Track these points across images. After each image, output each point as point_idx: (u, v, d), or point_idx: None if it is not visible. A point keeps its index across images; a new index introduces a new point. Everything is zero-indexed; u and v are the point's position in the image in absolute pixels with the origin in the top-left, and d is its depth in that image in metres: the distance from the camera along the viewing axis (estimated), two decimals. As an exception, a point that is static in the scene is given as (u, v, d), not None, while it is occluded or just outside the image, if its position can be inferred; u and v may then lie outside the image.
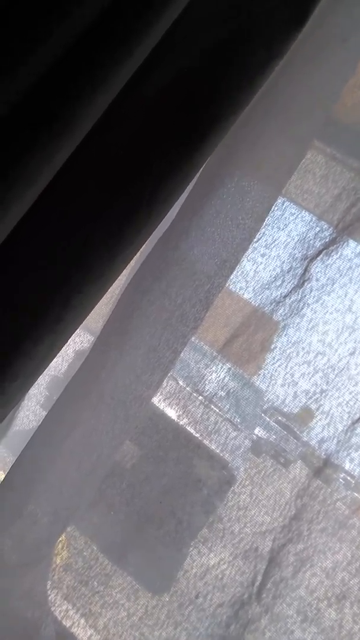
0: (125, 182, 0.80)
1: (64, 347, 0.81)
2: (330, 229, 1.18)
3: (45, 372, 0.81)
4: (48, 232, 0.80)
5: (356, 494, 1.24)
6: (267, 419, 1.36)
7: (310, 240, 1.18)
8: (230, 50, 0.81)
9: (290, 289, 1.19)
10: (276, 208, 1.15)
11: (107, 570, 1.28)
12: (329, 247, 1.17)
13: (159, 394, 1.17)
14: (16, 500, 1.12)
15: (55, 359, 0.81)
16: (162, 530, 1.28)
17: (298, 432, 1.32)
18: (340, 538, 1.19)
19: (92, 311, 0.81)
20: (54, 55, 0.75)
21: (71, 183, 0.80)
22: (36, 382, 0.82)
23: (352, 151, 1.18)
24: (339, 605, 1.18)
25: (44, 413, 1.10)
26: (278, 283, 1.19)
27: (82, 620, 1.24)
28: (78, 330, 0.81)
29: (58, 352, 0.81)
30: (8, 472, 1.12)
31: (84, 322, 0.81)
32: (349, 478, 1.23)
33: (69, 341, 0.81)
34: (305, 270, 1.18)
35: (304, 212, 1.20)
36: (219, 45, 0.81)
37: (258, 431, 1.37)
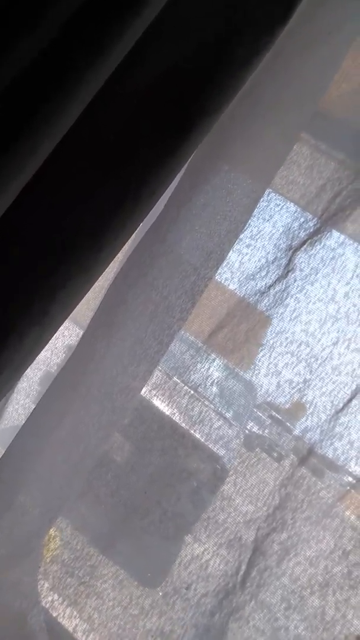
0: (111, 175, 0.81)
1: (55, 341, 0.82)
2: (315, 219, 1.19)
3: (36, 366, 0.82)
4: (33, 223, 0.80)
5: (339, 483, 1.25)
6: (256, 410, 1.38)
7: (295, 230, 1.19)
8: (217, 42, 0.81)
9: (274, 280, 1.20)
10: (262, 199, 1.16)
11: (93, 561, 1.29)
12: (313, 237, 1.18)
13: (145, 385, 1.18)
14: (5, 492, 1.12)
15: (46, 353, 0.82)
16: (147, 520, 1.30)
17: (290, 426, 1.34)
18: (324, 527, 1.20)
19: (83, 305, 0.82)
20: (41, 41, 0.76)
21: (56, 175, 0.80)
22: (27, 376, 0.83)
23: (338, 142, 1.19)
24: (321, 592, 1.20)
25: (35, 407, 1.11)
26: (263, 274, 1.20)
27: (69, 610, 1.25)
28: (69, 324, 0.82)
29: (45, 345, 0.81)
30: None
31: (74, 316, 0.82)
32: (332, 467, 1.24)
33: (60, 335, 0.82)
34: (290, 260, 1.19)
35: (289, 203, 1.22)
36: (205, 38, 0.82)
37: (246, 422, 1.38)
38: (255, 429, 1.39)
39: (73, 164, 0.81)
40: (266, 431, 1.38)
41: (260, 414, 1.39)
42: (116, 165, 0.81)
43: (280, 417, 1.36)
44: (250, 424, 1.39)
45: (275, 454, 1.33)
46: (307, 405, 1.20)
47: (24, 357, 0.81)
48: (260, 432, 1.39)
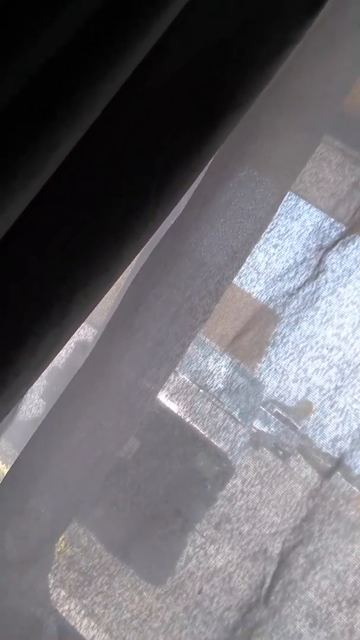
0: (132, 173, 0.82)
1: (68, 341, 0.84)
2: (347, 218, 1.19)
3: (48, 363, 0.84)
4: (53, 224, 0.82)
5: (370, 495, 1.25)
6: (268, 413, 1.38)
7: (325, 230, 1.19)
8: (243, 37, 0.83)
9: (303, 281, 1.19)
10: (290, 197, 1.16)
11: (110, 570, 1.29)
12: (345, 236, 1.18)
13: (165, 389, 1.19)
14: (19, 496, 1.14)
15: (62, 352, 0.84)
16: (168, 529, 1.30)
17: (296, 425, 1.33)
18: (352, 540, 1.19)
19: (98, 304, 0.84)
20: (59, 41, 0.77)
21: (76, 174, 0.82)
22: (41, 376, 0.85)
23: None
24: (350, 609, 1.18)
25: (44, 403, 1.12)
26: (291, 275, 1.20)
27: (86, 621, 1.26)
28: (83, 323, 0.84)
29: (63, 346, 0.83)
30: (11, 467, 1.14)
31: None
32: (363, 478, 1.24)
33: (77, 334, 0.83)
34: (320, 261, 1.19)
35: (319, 201, 1.21)
36: (232, 32, 0.83)
37: (257, 424, 1.38)
38: (262, 428, 1.39)
39: (94, 163, 0.83)
40: (273, 430, 1.38)
41: (284, 423, 1.38)
42: (139, 163, 0.83)
43: (286, 416, 1.35)
44: (257, 423, 1.39)
45: (280, 452, 1.33)
46: (332, 410, 1.20)
47: (43, 358, 0.83)
48: (268, 431, 1.38)
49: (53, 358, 0.84)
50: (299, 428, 1.35)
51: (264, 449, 1.37)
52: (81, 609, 1.27)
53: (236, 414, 1.32)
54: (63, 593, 1.27)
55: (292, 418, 1.36)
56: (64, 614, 1.25)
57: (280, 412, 1.37)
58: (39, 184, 0.79)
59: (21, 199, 0.79)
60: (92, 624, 1.26)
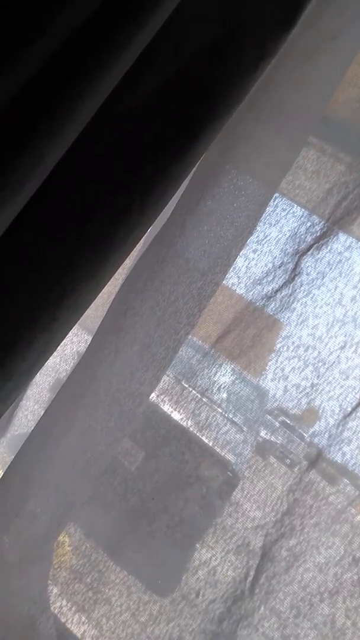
0: (117, 183, 0.82)
1: (64, 348, 0.83)
2: (321, 223, 1.19)
3: (46, 372, 0.83)
4: (41, 232, 0.81)
5: (348, 488, 1.25)
6: (266, 415, 1.38)
7: (301, 235, 1.19)
8: (222, 50, 0.82)
9: (281, 284, 1.20)
10: (269, 204, 1.16)
11: (101, 567, 1.29)
12: (319, 241, 1.19)
13: (153, 390, 1.18)
14: (14, 499, 1.13)
15: (56, 360, 0.83)
16: (155, 525, 1.30)
17: (302, 432, 1.34)
18: (333, 533, 1.20)
19: (92, 311, 0.83)
20: (45, 51, 0.76)
21: (63, 184, 0.81)
22: (37, 383, 0.84)
23: (343, 146, 1.20)
24: (331, 600, 1.19)
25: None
26: (270, 278, 1.20)
27: (77, 616, 1.25)
28: (78, 330, 0.83)
29: (54, 351, 0.82)
30: (6, 471, 1.13)
31: (84, 323, 0.83)
32: (341, 472, 1.24)
33: (69, 341, 0.82)
34: (296, 264, 1.19)
35: (295, 207, 1.22)
36: (211, 46, 0.82)
37: (256, 428, 1.38)
38: (267, 435, 1.39)
39: (79, 173, 0.82)
40: (278, 437, 1.38)
41: (272, 419, 1.39)
42: (123, 174, 0.82)
43: (291, 423, 1.36)
44: (261, 430, 1.39)
45: (288, 461, 1.33)
46: (320, 411, 1.21)
47: (33, 363, 0.82)
48: (272, 438, 1.39)
49: (44, 363, 0.83)
50: (284, 423, 1.36)
51: (252, 448, 1.37)
52: (72, 605, 1.26)
53: (220, 410, 1.32)
54: (56, 590, 1.26)
55: (277, 415, 1.37)
56: (56, 611, 1.25)
57: (271, 411, 1.37)
58: (27, 195, 0.78)
59: (9, 211, 0.78)
60: (84, 619, 1.26)
